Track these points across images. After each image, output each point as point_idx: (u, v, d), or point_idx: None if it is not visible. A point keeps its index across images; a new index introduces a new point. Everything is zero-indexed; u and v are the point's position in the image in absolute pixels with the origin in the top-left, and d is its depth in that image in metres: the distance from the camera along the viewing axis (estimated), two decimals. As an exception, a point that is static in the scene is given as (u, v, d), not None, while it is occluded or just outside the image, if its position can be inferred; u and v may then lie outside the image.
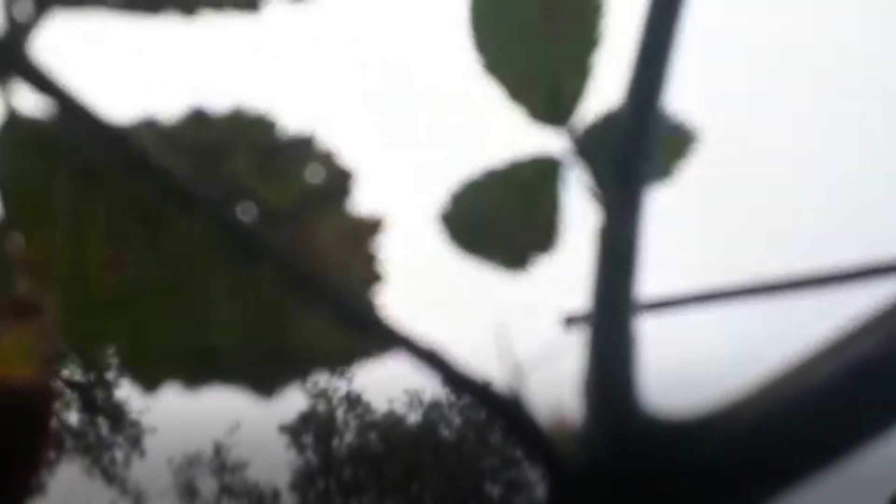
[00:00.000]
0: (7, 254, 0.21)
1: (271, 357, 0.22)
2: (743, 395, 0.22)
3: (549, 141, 0.33)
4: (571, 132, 0.33)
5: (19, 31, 0.19)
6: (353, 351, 0.22)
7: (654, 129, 0.29)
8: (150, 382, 0.22)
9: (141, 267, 0.21)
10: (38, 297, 0.21)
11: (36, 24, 0.19)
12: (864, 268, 0.28)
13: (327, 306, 0.22)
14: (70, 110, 0.19)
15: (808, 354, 0.21)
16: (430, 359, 0.21)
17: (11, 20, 0.19)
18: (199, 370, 0.22)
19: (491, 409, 0.22)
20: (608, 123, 0.35)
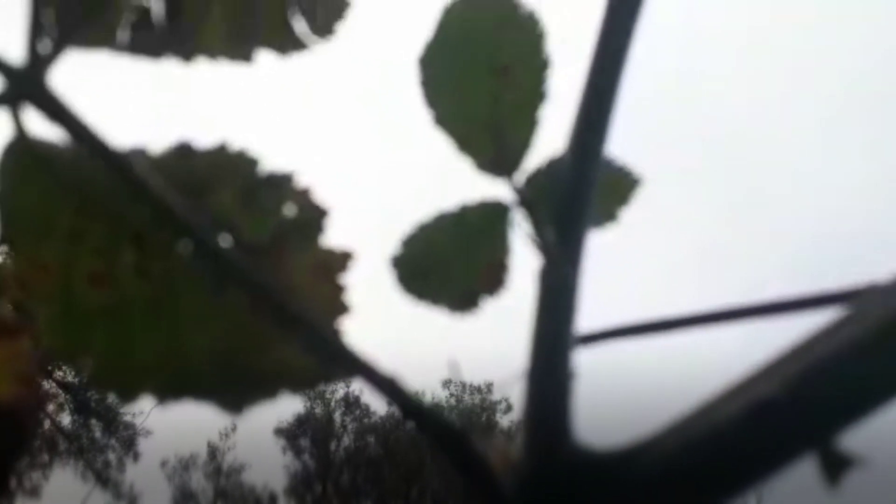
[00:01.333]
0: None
1: (241, 377, 0.24)
2: (658, 430, 0.24)
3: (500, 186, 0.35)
4: (517, 183, 0.35)
5: (39, 64, 0.20)
6: (317, 375, 0.24)
7: (595, 177, 0.32)
8: (124, 394, 0.23)
9: (126, 285, 0.23)
10: (18, 318, 0.22)
11: (54, 59, 0.20)
12: (811, 297, 0.30)
13: (296, 332, 0.23)
14: (81, 138, 0.21)
15: (715, 394, 0.23)
16: (387, 386, 0.23)
17: (34, 53, 0.20)
18: (171, 385, 0.23)
19: (438, 440, 0.23)
20: (551, 172, 0.37)
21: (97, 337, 0.22)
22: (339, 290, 0.24)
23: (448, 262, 0.34)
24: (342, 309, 0.24)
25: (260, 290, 0.23)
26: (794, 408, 0.20)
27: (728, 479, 0.22)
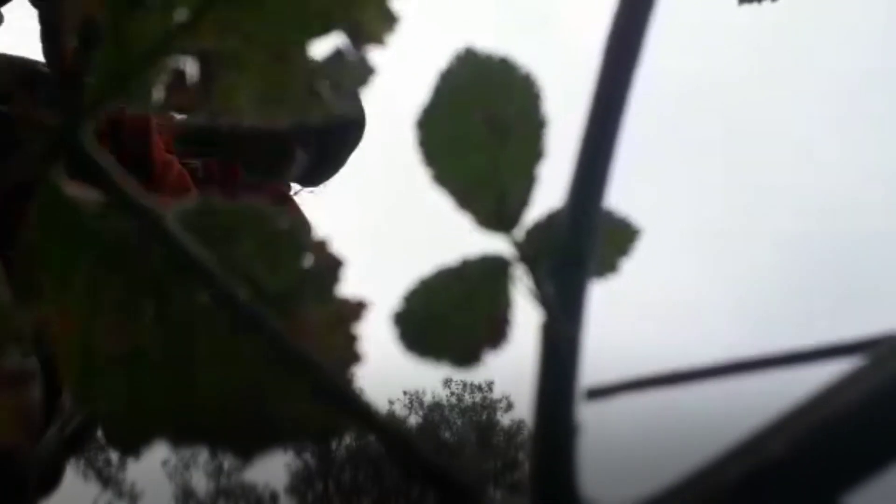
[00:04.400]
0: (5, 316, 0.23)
1: (254, 426, 0.24)
2: (662, 488, 0.25)
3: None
4: (517, 237, 0.36)
5: (74, 119, 0.21)
6: (330, 428, 0.24)
7: (595, 230, 0.32)
8: (138, 440, 0.23)
9: (144, 334, 0.23)
10: (27, 366, 0.23)
11: (90, 114, 0.21)
12: (825, 348, 0.30)
13: (312, 383, 0.24)
14: (113, 192, 0.21)
15: (720, 452, 0.24)
16: (400, 444, 0.24)
17: (69, 108, 0.21)
18: (185, 432, 0.24)
19: (453, 497, 0.24)
20: (550, 226, 0.38)
21: (115, 384, 0.23)
22: (352, 339, 0.25)
23: (450, 318, 0.35)
24: (355, 358, 0.25)
25: (278, 341, 0.24)
26: (801, 469, 0.20)
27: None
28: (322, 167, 1.88)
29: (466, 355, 0.34)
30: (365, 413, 0.24)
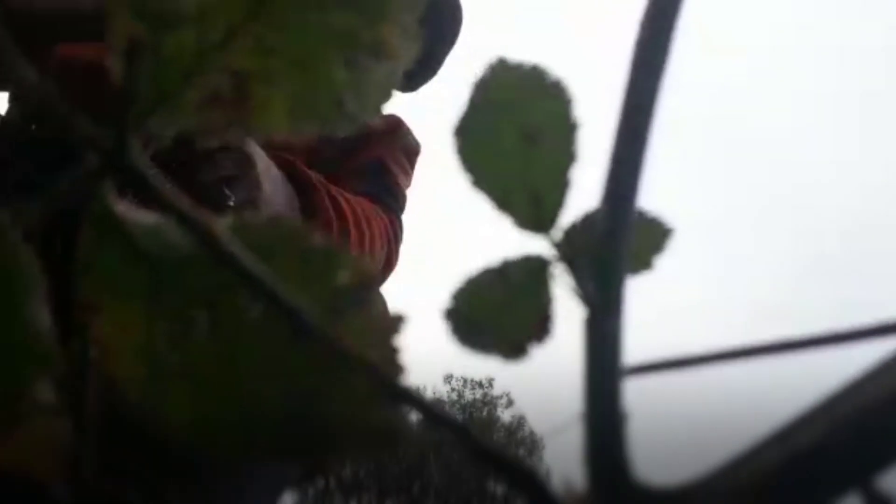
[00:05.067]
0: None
1: (313, 435, 0.24)
2: (707, 472, 0.25)
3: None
4: (555, 238, 0.37)
5: (123, 138, 0.22)
6: (390, 436, 0.25)
7: (629, 229, 0.33)
8: (205, 450, 0.24)
9: (201, 345, 0.24)
10: (57, 399, 0.23)
11: (136, 132, 0.22)
12: (868, 328, 0.30)
13: (365, 382, 0.24)
14: (164, 206, 0.22)
15: (759, 438, 0.24)
16: (463, 434, 0.24)
17: (118, 127, 0.22)
18: (246, 442, 0.24)
19: (513, 482, 0.24)
20: (586, 226, 0.39)
21: (176, 396, 0.24)
22: (393, 352, 0.25)
23: (496, 315, 0.36)
24: (398, 370, 0.25)
25: (337, 349, 0.24)
26: (840, 454, 0.20)
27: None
28: (422, 70, 1.81)
29: (514, 349, 0.35)
30: (430, 410, 0.24)
